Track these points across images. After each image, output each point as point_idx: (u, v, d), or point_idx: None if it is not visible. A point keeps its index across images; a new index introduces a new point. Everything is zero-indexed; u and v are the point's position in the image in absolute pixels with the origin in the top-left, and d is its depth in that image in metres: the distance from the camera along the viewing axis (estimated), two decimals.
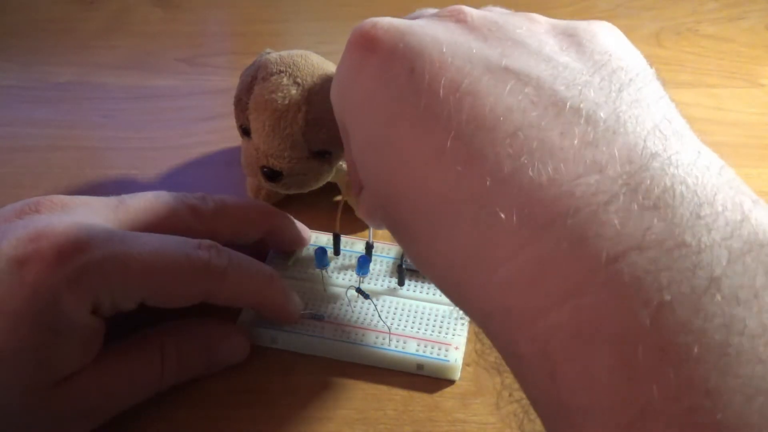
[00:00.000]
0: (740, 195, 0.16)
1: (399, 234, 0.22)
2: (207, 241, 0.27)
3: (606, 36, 0.21)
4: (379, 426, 0.27)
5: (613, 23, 0.21)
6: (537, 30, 0.21)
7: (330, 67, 0.33)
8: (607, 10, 0.58)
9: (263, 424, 0.27)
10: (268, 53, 0.33)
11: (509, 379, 0.19)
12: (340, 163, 0.34)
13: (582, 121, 0.17)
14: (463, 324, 0.30)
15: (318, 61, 0.32)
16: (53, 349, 0.23)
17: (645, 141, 0.17)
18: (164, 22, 0.58)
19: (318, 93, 0.31)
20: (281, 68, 0.32)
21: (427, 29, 0.21)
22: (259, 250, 0.32)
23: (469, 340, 0.30)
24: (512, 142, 0.17)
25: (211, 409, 0.28)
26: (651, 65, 0.21)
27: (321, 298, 0.31)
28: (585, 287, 0.15)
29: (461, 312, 0.30)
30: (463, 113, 0.18)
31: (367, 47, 0.21)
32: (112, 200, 0.28)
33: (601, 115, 0.17)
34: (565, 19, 0.22)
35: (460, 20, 0.21)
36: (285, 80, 0.31)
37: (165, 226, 0.28)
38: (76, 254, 0.23)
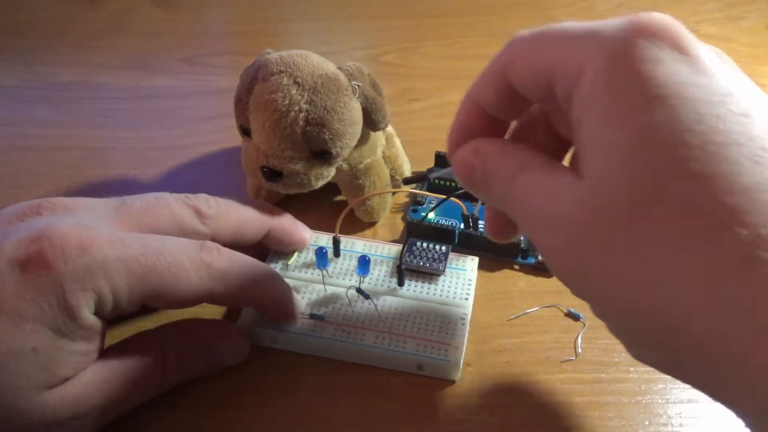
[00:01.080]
0: None
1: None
2: (208, 243, 0.27)
3: None
4: (379, 426, 0.27)
5: None
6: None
7: (330, 67, 0.33)
8: (607, 10, 0.58)
9: (263, 424, 0.27)
10: (268, 53, 0.33)
11: None
12: (340, 163, 0.34)
13: None
14: (463, 324, 0.30)
15: (318, 61, 0.32)
16: (55, 351, 0.23)
17: None
18: (164, 22, 0.58)
19: (318, 93, 0.31)
20: (281, 68, 0.32)
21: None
22: (259, 250, 0.32)
23: (469, 341, 0.30)
24: None
25: (211, 409, 0.28)
26: None
27: (321, 298, 0.31)
28: None
29: (462, 312, 0.31)
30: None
31: (671, 43, 0.19)
32: (113, 202, 0.28)
33: None
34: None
35: (683, 51, 0.19)
36: (285, 80, 0.31)
37: (166, 227, 0.28)
38: (79, 256, 0.23)
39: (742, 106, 0.18)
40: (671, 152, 0.18)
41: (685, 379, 0.19)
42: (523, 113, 0.24)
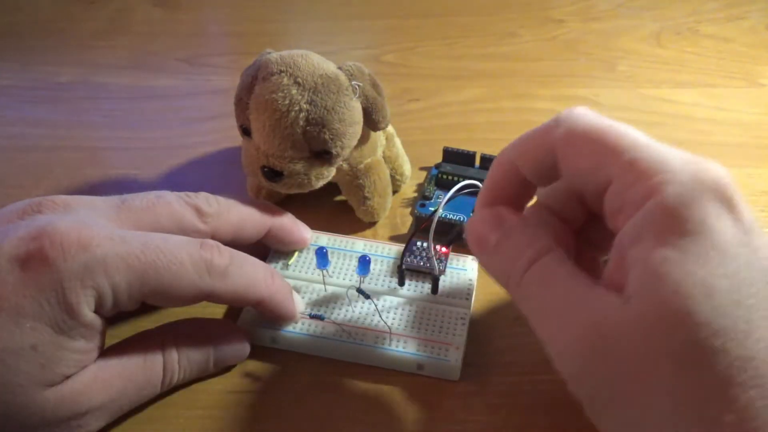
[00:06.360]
0: None
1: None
2: (209, 241, 0.27)
3: None
4: (379, 426, 0.27)
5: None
6: None
7: (330, 67, 0.33)
8: (608, 9, 0.58)
9: (263, 424, 0.27)
10: (269, 53, 0.33)
11: None
12: (340, 162, 0.34)
13: None
14: (463, 324, 0.30)
15: (318, 61, 0.32)
16: (55, 348, 0.23)
17: None
18: (164, 22, 0.58)
19: (318, 93, 0.31)
20: (282, 68, 0.32)
21: None
22: (260, 249, 0.32)
23: (469, 341, 0.30)
24: None
25: (211, 409, 0.28)
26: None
27: (321, 298, 0.31)
28: None
29: (462, 312, 0.31)
30: None
31: (727, 203, 0.20)
32: (114, 200, 0.28)
33: None
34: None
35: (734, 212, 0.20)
36: (285, 80, 0.31)
37: (167, 225, 0.28)
38: (78, 253, 0.23)
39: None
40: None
41: None
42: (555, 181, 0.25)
